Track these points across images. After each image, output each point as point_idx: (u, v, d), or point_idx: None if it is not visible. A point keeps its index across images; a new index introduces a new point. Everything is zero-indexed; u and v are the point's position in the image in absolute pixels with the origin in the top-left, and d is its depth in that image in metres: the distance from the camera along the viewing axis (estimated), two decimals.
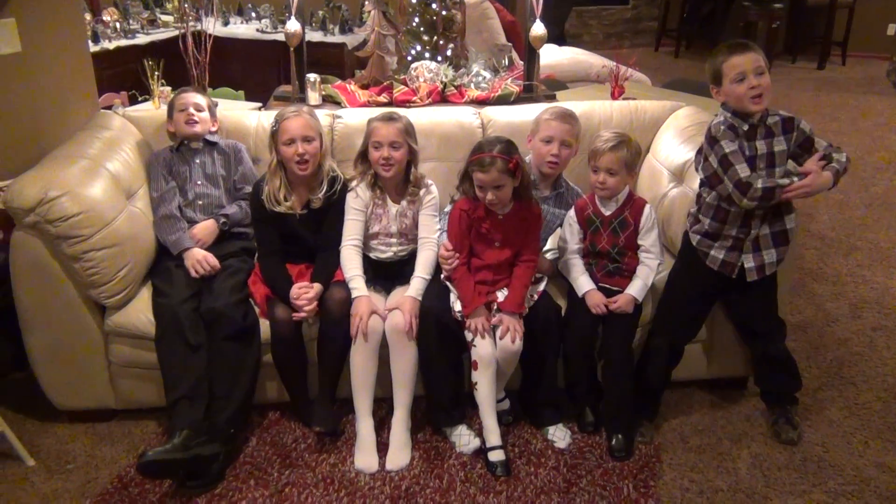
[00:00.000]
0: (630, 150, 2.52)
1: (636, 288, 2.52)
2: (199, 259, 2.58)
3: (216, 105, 2.98)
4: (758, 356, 2.65)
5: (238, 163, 2.85)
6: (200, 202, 2.77)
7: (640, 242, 2.57)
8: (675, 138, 2.91)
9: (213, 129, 2.88)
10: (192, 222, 2.72)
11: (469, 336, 2.47)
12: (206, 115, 2.84)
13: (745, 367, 2.76)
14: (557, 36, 7.71)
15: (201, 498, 2.30)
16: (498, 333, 2.45)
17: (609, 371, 2.53)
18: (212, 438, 2.36)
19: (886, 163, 5.35)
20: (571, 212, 2.64)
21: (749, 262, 2.41)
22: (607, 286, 2.56)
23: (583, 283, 2.56)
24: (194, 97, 2.84)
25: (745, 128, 2.34)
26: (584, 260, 2.61)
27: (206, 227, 2.71)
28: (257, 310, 2.55)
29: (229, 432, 2.44)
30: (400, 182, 2.64)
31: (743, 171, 2.27)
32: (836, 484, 2.39)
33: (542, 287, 2.58)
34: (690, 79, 5.15)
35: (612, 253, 2.56)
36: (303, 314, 2.47)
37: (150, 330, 2.47)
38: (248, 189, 2.74)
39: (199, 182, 2.79)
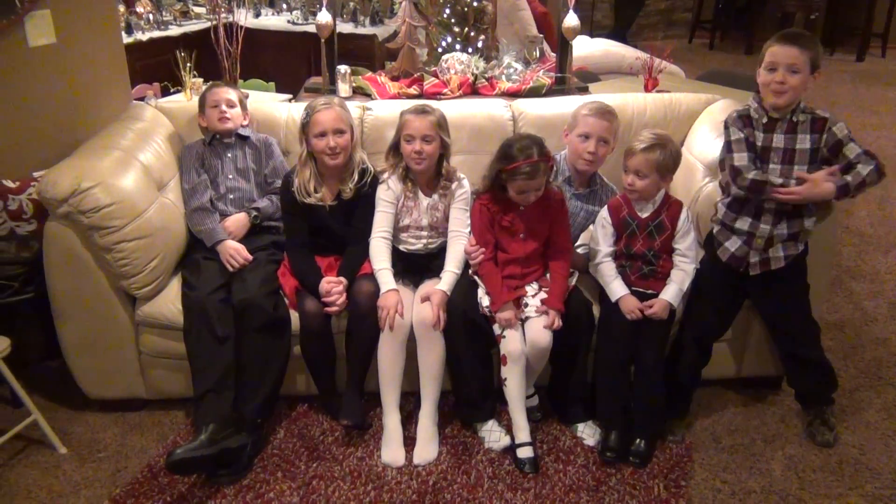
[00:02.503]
0: (665, 153, 2.42)
1: (671, 293, 2.46)
2: (233, 252, 2.58)
3: (247, 97, 2.99)
4: (787, 358, 2.59)
5: (269, 157, 2.85)
6: (232, 196, 2.78)
7: (675, 246, 2.50)
8: (710, 132, 2.85)
9: (245, 122, 2.88)
10: (223, 215, 2.73)
11: (498, 331, 2.45)
12: (237, 110, 2.83)
13: (778, 366, 2.70)
14: (622, 36, 7.64)
15: (229, 489, 2.31)
16: (542, 322, 2.42)
17: (641, 377, 2.48)
18: (239, 429, 2.37)
19: None
20: (605, 212, 2.56)
21: (754, 256, 2.40)
22: (640, 289, 2.50)
23: (616, 288, 2.49)
24: (226, 93, 2.84)
25: (765, 119, 2.35)
26: (616, 262, 2.54)
27: (237, 221, 2.71)
28: (286, 301, 2.54)
29: (256, 422, 2.45)
30: (432, 175, 2.62)
31: (740, 159, 2.35)
32: (874, 487, 2.33)
33: (573, 282, 2.55)
34: (725, 71, 5.07)
35: (647, 255, 2.51)
36: (335, 308, 2.46)
37: (180, 320, 2.49)
38: (279, 183, 2.74)
39: (230, 175, 2.79)
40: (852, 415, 2.65)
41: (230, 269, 2.57)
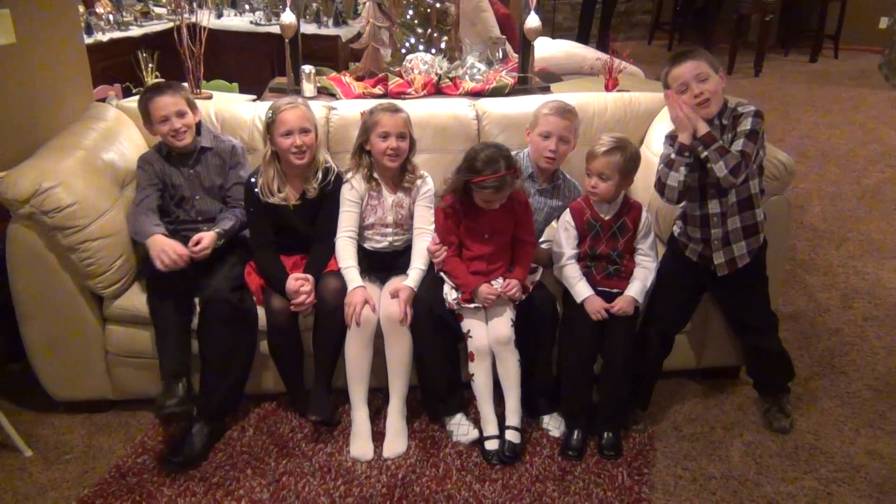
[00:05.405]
0: (626, 156, 2.48)
1: (635, 289, 2.52)
2: (166, 248, 2.39)
3: (188, 90, 2.75)
4: (748, 349, 2.67)
5: (233, 167, 2.71)
6: (201, 218, 2.66)
7: (637, 246, 2.57)
8: (668, 130, 2.92)
9: (197, 119, 2.67)
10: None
11: (465, 328, 2.49)
12: (189, 117, 2.60)
13: (737, 356, 2.78)
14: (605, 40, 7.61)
15: (198, 486, 2.32)
16: (501, 315, 2.47)
17: (609, 372, 2.52)
18: (199, 418, 2.41)
19: (878, 155, 5.38)
20: (567, 215, 2.60)
21: (719, 257, 2.44)
22: (606, 289, 2.55)
23: (581, 289, 2.53)
24: (173, 102, 2.56)
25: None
26: (581, 263, 2.59)
27: (211, 238, 2.53)
28: (253, 298, 2.56)
29: (217, 414, 2.49)
30: (397, 173, 2.64)
31: (661, 172, 2.42)
32: (828, 471, 2.42)
33: (537, 277, 2.59)
34: None
35: (612, 256, 2.56)
36: (303, 307, 2.48)
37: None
38: (239, 193, 2.66)
39: (197, 196, 2.66)
40: (807, 402, 2.74)
41: (160, 266, 2.39)
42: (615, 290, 2.54)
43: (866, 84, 7.40)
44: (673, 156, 2.37)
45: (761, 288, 2.55)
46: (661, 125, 3.01)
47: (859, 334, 3.18)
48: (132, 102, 3.35)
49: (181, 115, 2.58)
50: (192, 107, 2.66)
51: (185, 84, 3.77)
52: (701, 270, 2.50)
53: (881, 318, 3.30)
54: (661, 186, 2.43)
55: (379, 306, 2.51)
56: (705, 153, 2.28)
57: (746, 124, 2.30)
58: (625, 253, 2.57)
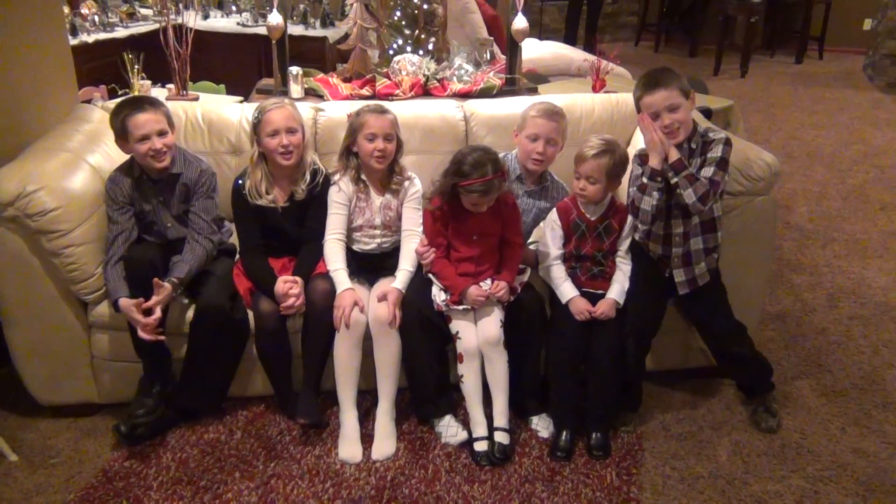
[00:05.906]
0: (614, 159, 2.49)
1: (616, 292, 2.53)
2: (133, 318, 2.33)
3: (167, 106, 2.57)
4: (719, 356, 2.69)
5: (196, 194, 2.56)
6: (179, 245, 2.54)
7: (618, 248, 2.59)
8: (638, 149, 2.93)
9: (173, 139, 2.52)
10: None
11: (454, 329, 2.49)
12: (170, 136, 2.47)
13: None
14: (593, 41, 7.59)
15: (186, 490, 2.31)
16: (490, 316, 2.47)
17: (596, 374, 2.52)
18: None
19: (863, 155, 5.42)
20: (554, 215, 2.61)
21: (680, 276, 2.49)
22: (591, 290, 2.56)
23: (566, 290, 2.54)
24: (154, 119, 2.41)
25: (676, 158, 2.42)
26: (567, 264, 2.60)
27: (168, 292, 2.40)
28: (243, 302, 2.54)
29: (187, 411, 2.56)
30: (385, 174, 2.64)
31: (635, 195, 2.49)
32: (815, 469, 2.43)
33: (525, 278, 2.60)
34: None
35: (597, 257, 2.57)
36: (292, 310, 2.47)
37: None
38: (201, 222, 2.54)
39: (168, 224, 2.56)
40: (794, 401, 2.76)
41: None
42: (600, 292, 2.55)
43: (851, 85, 7.46)
44: (645, 180, 2.43)
45: (719, 298, 2.58)
46: None
47: (845, 333, 3.20)
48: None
49: (162, 134, 2.45)
50: (172, 125, 2.53)
51: (172, 85, 3.77)
52: (662, 274, 2.55)
53: (866, 317, 3.32)
54: (634, 210, 2.49)
55: (367, 308, 2.51)
56: (675, 179, 2.36)
57: (717, 152, 2.38)
58: (610, 254, 2.58)
